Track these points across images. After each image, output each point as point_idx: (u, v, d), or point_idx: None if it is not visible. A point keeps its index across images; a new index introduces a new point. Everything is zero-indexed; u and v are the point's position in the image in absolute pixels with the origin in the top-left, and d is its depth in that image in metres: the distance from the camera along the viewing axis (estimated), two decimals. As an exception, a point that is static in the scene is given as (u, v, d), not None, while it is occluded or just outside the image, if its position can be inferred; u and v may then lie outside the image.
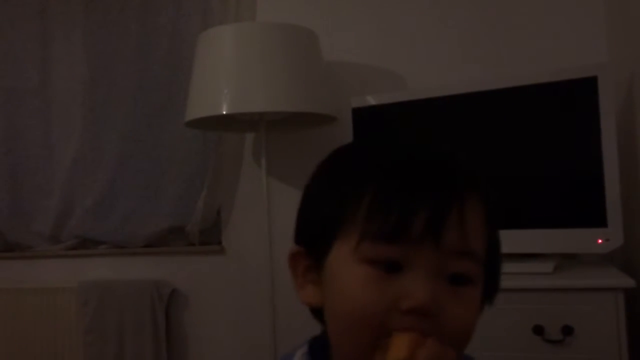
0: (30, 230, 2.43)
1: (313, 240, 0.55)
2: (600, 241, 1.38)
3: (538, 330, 1.28)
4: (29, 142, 2.43)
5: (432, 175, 0.50)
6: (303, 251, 0.56)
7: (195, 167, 2.24)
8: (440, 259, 0.49)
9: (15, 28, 2.44)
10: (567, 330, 1.26)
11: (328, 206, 0.53)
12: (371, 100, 1.67)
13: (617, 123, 1.39)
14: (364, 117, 1.66)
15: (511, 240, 1.46)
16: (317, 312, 0.56)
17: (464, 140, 1.55)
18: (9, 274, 2.44)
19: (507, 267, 1.47)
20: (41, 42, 2.41)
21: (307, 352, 0.58)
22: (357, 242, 0.49)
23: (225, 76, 1.74)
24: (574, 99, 1.43)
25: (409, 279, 0.48)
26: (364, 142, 0.59)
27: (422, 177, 0.50)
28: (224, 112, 1.71)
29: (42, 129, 2.41)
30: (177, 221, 2.24)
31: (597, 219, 1.39)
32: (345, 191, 0.51)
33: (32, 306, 2.32)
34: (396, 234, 0.48)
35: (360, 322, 0.48)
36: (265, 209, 1.88)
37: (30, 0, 2.41)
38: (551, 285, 1.31)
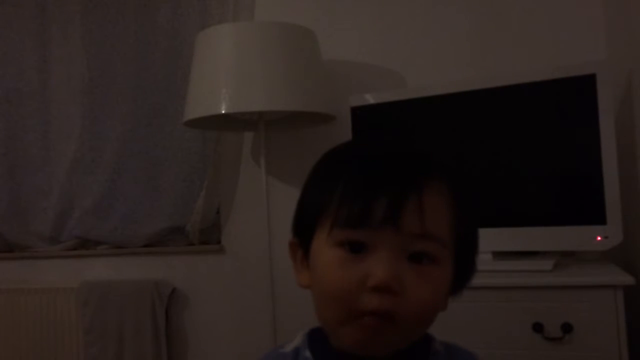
0: (30, 231, 2.43)
1: (301, 230, 0.63)
2: (599, 239, 1.39)
3: (537, 327, 1.28)
4: (28, 142, 2.42)
5: (393, 168, 0.57)
6: (297, 242, 0.64)
7: (195, 167, 2.23)
8: (401, 240, 0.55)
9: (13, 28, 2.44)
10: (567, 328, 1.26)
11: (311, 201, 0.61)
12: (370, 99, 1.67)
13: (615, 120, 1.39)
14: (363, 116, 1.66)
15: (510, 238, 1.48)
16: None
17: (463, 139, 1.56)
18: (9, 275, 2.44)
19: (506, 264, 1.48)
20: (40, 43, 2.41)
21: (306, 333, 0.66)
22: (330, 228, 0.57)
23: (224, 75, 1.74)
24: (573, 97, 1.43)
25: (373, 259, 0.55)
26: (348, 143, 0.67)
27: (384, 170, 0.57)
28: (223, 112, 1.71)
29: (41, 129, 2.41)
30: (177, 221, 2.24)
31: (596, 217, 1.39)
32: (323, 188, 0.60)
33: (32, 307, 2.33)
34: (361, 221, 0.55)
35: (334, 297, 0.56)
36: (265, 208, 1.88)
37: (28, 0, 2.41)
38: (550, 282, 1.31)
